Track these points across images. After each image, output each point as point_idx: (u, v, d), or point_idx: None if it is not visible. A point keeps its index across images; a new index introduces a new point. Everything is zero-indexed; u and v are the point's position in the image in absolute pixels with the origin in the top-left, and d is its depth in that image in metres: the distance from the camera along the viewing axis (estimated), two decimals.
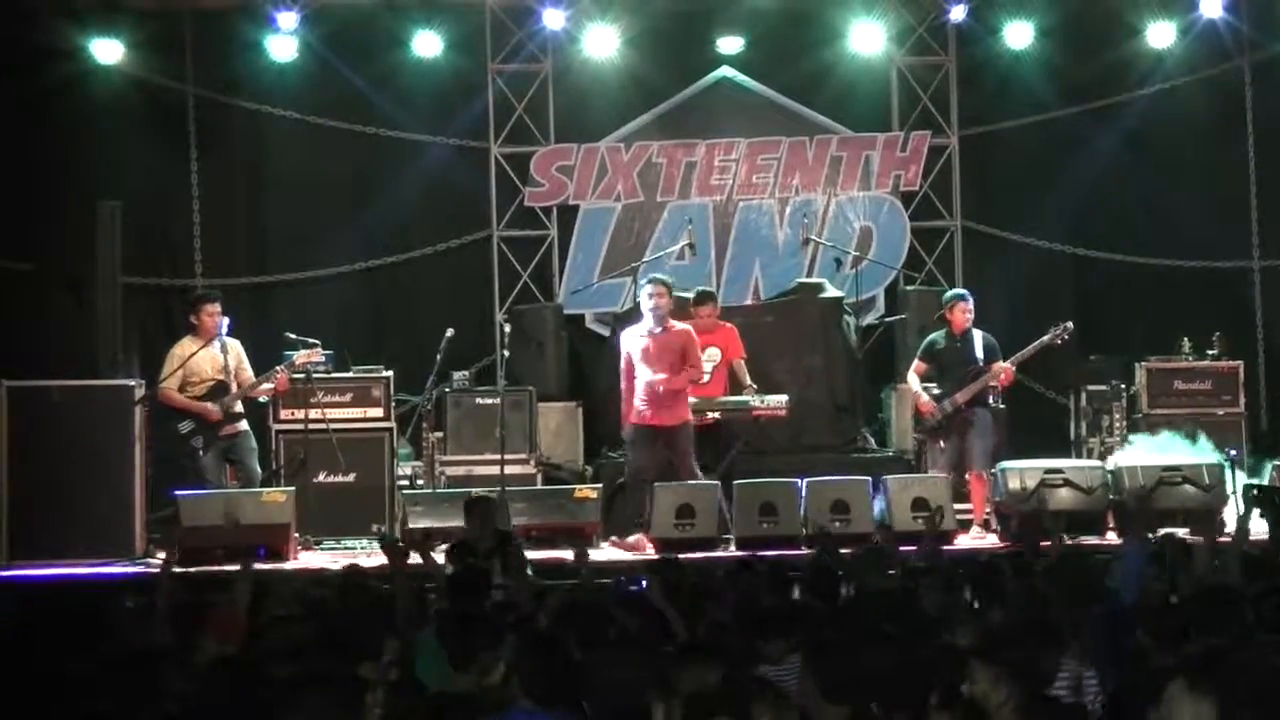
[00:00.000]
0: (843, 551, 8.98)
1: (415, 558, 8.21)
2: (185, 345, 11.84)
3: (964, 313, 12.26)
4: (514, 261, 14.83)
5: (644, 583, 7.59)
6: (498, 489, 11.76)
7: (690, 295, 12.85)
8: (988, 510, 12.16)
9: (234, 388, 11.82)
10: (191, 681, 5.10)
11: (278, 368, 11.94)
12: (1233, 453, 12.01)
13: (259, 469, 11.98)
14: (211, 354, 11.80)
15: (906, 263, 14.78)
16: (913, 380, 12.40)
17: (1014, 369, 12.28)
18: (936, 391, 12.25)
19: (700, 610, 6.88)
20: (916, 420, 12.51)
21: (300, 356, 11.96)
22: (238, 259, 14.65)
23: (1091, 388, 13.52)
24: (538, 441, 13.05)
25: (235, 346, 11.97)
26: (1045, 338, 12.32)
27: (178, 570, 9.05)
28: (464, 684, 5.52)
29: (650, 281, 12.09)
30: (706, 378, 12.42)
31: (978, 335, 12.34)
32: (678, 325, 11.94)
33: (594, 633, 5.86)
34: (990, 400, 12.52)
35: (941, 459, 12.19)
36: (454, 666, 5.66)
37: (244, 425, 11.94)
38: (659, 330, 11.83)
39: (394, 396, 12.85)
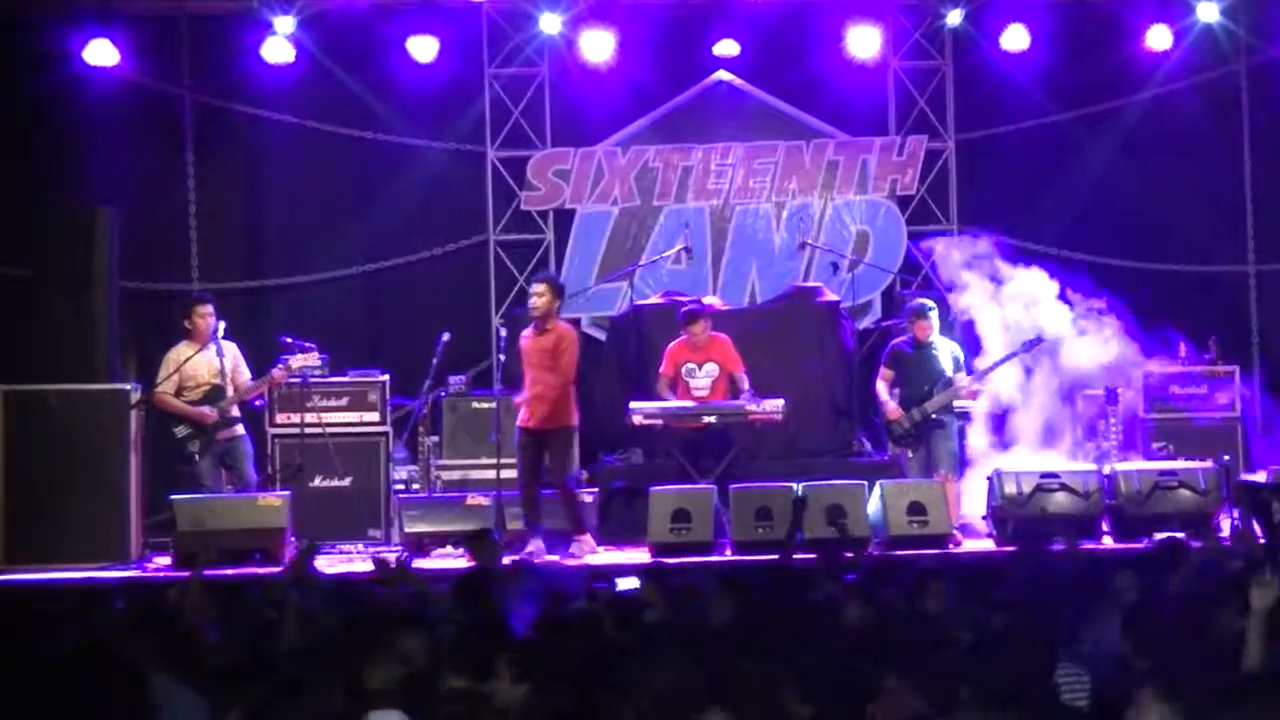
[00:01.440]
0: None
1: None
2: (181, 350, 11.83)
3: (925, 328, 12.26)
4: (510, 265, 14.82)
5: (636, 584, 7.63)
6: (494, 494, 11.79)
7: (686, 301, 12.87)
8: (971, 515, 12.16)
9: (230, 391, 11.82)
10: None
11: (273, 369, 11.95)
12: (1227, 458, 12.02)
13: (255, 473, 11.99)
14: (207, 358, 11.79)
15: (903, 267, 14.78)
16: (881, 389, 12.38)
17: (980, 386, 12.28)
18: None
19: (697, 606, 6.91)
20: (888, 430, 12.50)
21: (296, 360, 11.97)
22: (234, 263, 14.66)
23: (1087, 392, 13.51)
24: None
25: (232, 350, 11.97)
26: (1016, 351, 12.31)
27: (172, 575, 9.04)
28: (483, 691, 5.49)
29: (534, 280, 12.05)
30: (704, 390, 12.36)
31: (944, 344, 12.34)
32: (562, 327, 11.73)
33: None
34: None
35: (912, 469, 12.20)
36: (474, 674, 5.63)
37: (240, 429, 11.95)
38: (535, 331, 11.69)
39: (389, 401, 12.85)
